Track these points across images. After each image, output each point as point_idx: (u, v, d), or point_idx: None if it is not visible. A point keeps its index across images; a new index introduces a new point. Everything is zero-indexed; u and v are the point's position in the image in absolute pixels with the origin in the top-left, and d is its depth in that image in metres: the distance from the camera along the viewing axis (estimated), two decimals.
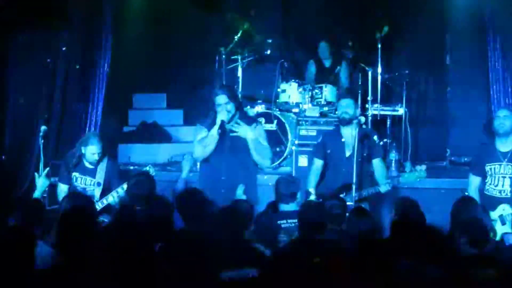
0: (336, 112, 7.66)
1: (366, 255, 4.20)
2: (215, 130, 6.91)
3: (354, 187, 6.84)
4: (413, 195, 6.99)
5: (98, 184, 7.51)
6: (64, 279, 3.85)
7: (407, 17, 10.83)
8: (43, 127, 8.02)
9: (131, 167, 9.73)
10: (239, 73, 10.17)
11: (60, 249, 4.08)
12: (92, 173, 7.54)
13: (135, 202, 6.37)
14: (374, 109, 9.80)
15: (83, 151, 7.49)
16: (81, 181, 7.55)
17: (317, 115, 9.72)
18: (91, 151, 7.45)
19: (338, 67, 10.41)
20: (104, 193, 7.43)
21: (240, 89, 10.05)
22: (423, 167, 7.12)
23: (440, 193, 8.02)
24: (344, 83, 10.37)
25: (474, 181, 7.13)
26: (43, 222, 5.20)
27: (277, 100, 9.86)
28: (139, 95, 11.91)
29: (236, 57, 10.20)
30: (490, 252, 5.14)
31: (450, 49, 10.64)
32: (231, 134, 6.99)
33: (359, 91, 9.91)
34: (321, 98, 9.79)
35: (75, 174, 7.55)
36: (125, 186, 7.04)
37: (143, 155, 10.35)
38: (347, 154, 7.26)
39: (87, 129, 9.70)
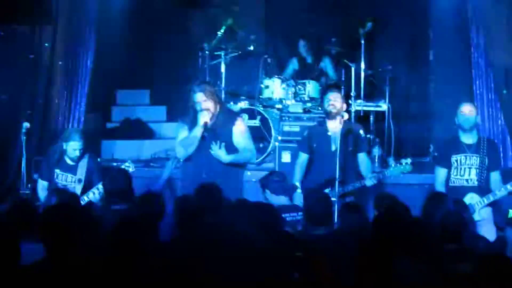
0: (323, 105, 7.59)
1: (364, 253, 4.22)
2: (197, 132, 6.88)
3: (337, 182, 6.79)
4: (397, 191, 7.05)
5: (79, 181, 7.49)
6: (49, 275, 3.83)
7: (390, 13, 10.85)
8: (25, 124, 7.99)
9: (114, 164, 9.68)
10: (222, 69, 10.12)
11: (45, 245, 4.05)
12: (73, 170, 7.52)
13: (111, 198, 6.32)
14: (357, 105, 9.78)
15: (64, 147, 7.46)
16: (62, 178, 7.51)
17: (301, 111, 9.70)
18: (73, 147, 7.43)
19: (322, 64, 10.43)
20: (85, 190, 7.40)
21: (223, 85, 10.03)
22: (408, 160, 7.13)
23: (424, 189, 8.03)
24: (333, 76, 10.39)
25: (441, 173, 7.17)
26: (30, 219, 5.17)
27: (260, 96, 9.84)
28: (122, 91, 11.87)
29: (219, 53, 10.16)
30: (470, 244, 5.14)
31: (433, 45, 10.68)
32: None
33: (342, 87, 9.93)
34: (305, 94, 9.77)
35: (56, 171, 7.52)
36: None
37: (126, 151, 10.25)
38: (333, 148, 7.16)
39: (70, 125, 9.67)
